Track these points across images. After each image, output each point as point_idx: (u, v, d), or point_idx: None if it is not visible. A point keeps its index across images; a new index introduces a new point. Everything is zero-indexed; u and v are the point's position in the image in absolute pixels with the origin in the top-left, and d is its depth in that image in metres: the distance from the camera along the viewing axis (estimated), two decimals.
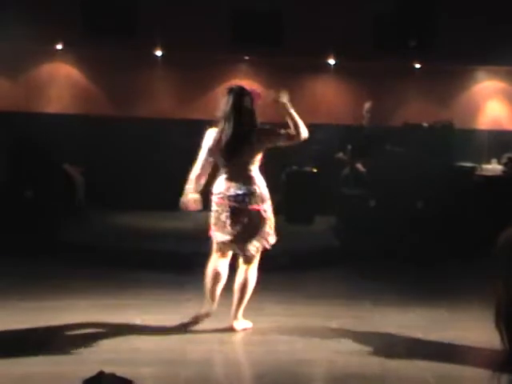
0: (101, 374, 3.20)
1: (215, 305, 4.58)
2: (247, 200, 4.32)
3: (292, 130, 4.38)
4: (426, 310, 5.20)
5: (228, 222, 4.36)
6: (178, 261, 6.67)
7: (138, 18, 10.17)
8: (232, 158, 4.37)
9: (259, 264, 4.54)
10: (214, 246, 4.55)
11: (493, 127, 11.21)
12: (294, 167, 9.74)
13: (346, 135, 8.71)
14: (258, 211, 4.36)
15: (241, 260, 4.53)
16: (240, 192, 4.34)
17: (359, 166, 8.22)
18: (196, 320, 4.57)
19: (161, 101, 10.80)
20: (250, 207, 4.34)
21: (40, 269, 6.18)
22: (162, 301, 5.18)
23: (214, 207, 4.45)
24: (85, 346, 4.07)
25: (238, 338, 4.39)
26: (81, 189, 9.31)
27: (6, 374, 3.62)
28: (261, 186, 4.40)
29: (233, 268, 4.60)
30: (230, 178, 4.38)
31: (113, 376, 3.21)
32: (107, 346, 4.12)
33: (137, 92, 10.65)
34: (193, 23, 10.13)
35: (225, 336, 4.44)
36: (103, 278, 5.88)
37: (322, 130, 10.49)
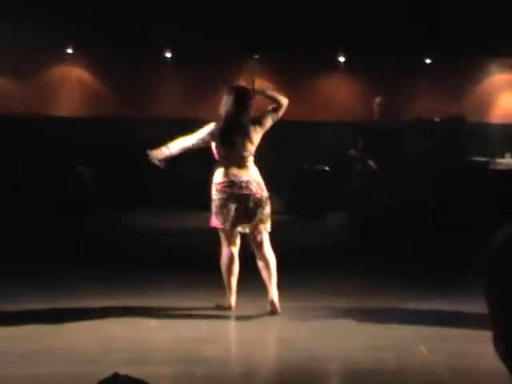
0: (116, 375, 3.20)
1: (233, 296, 4.81)
2: (251, 186, 4.74)
3: (274, 104, 4.84)
4: (444, 305, 5.11)
5: (233, 208, 4.71)
6: (195, 260, 6.67)
7: (147, 20, 10.19)
8: (231, 150, 4.75)
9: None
10: (222, 236, 4.82)
11: (506, 121, 11.11)
12: (306, 165, 9.76)
13: (357, 132, 8.68)
14: (261, 196, 4.77)
15: (253, 244, 4.81)
16: (244, 179, 4.74)
17: (371, 162, 8.19)
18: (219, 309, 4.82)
19: (171, 101, 10.83)
20: (256, 193, 4.75)
21: (55, 269, 6.21)
22: (179, 300, 5.16)
23: (217, 195, 4.77)
24: (100, 346, 4.09)
25: (253, 336, 4.38)
26: (94, 189, 9.35)
27: (22, 373, 3.65)
28: (257, 176, 4.83)
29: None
30: (230, 169, 4.77)
31: (128, 378, 3.20)
32: (123, 345, 4.13)
33: (147, 93, 10.69)
34: (202, 24, 10.13)
35: (240, 334, 4.45)
36: (117, 279, 5.88)
37: (333, 127, 10.50)
